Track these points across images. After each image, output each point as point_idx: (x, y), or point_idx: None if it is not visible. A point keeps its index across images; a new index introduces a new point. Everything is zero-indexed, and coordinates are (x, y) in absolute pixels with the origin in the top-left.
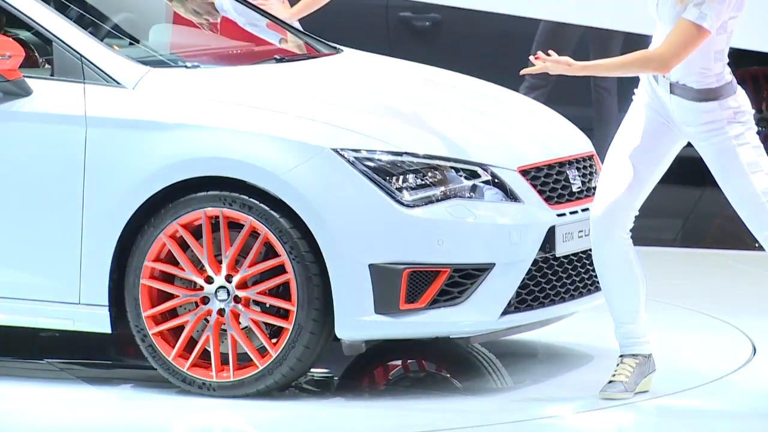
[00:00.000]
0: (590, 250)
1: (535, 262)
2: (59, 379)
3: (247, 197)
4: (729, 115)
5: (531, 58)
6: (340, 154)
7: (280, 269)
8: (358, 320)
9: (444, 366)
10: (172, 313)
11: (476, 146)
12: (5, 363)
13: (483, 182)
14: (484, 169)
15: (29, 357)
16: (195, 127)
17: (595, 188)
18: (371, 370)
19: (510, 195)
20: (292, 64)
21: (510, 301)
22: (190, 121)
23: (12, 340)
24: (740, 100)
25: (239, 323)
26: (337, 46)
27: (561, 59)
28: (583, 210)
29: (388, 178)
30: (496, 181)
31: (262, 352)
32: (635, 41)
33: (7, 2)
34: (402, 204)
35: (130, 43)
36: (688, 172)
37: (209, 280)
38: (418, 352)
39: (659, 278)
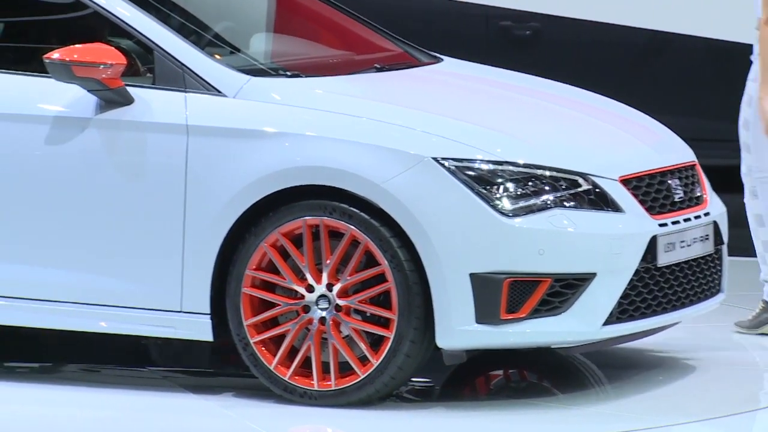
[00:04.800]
0: (692, 259)
1: (636, 272)
2: (161, 387)
3: (347, 206)
4: None
5: None
6: (440, 163)
7: (380, 278)
8: (458, 329)
9: (545, 376)
10: (273, 322)
11: (577, 155)
12: (108, 371)
13: (584, 192)
14: (585, 179)
15: (131, 365)
16: (295, 135)
17: (697, 198)
18: (472, 380)
19: (611, 205)
20: (392, 73)
21: (611, 311)
22: (290, 129)
23: (114, 349)
24: None
25: (340, 332)
26: (437, 54)
27: None
28: (685, 220)
29: (488, 187)
30: (597, 190)
31: (363, 361)
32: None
33: (109, 12)
34: (502, 213)
35: (231, 52)
36: None
37: (310, 289)
38: (519, 362)
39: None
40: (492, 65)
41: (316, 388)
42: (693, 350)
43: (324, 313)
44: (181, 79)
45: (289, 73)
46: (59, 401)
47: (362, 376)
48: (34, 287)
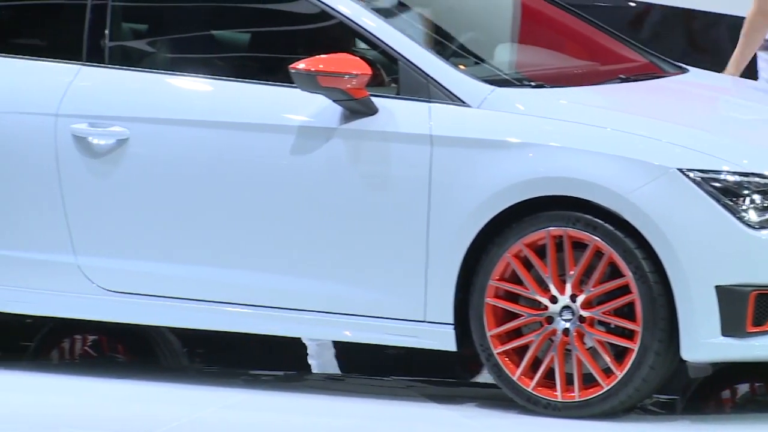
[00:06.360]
0: None
1: None
2: (404, 397)
3: (591, 217)
4: None
5: None
6: (686, 175)
7: (624, 289)
8: (704, 342)
9: None
10: (517, 333)
11: None
12: (352, 380)
13: None
14: None
15: (376, 374)
16: (539, 146)
17: None
18: (717, 393)
19: None
20: (637, 83)
21: None
22: (534, 140)
23: (359, 358)
24: None
25: (584, 343)
26: (683, 65)
27: None
28: None
29: (734, 199)
30: None
31: (607, 372)
32: None
33: (355, 22)
34: (749, 225)
35: (475, 63)
36: None
37: (554, 300)
38: (766, 375)
39: None
40: (741, 76)
41: (559, 399)
42: None
43: (567, 324)
44: (425, 89)
45: (533, 84)
46: (303, 409)
47: (606, 388)
48: (278, 296)
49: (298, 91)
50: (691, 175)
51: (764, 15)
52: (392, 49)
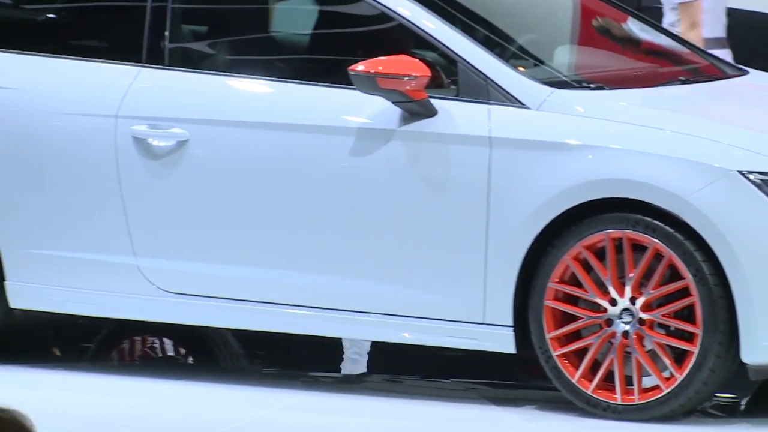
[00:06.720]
0: None
1: None
2: (464, 399)
3: (651, 219)
4: None
5: None
6: (746, 177)
7: (684, 292)
8: (764, 345)
9: None
10: (576, 335)
11: None
12: (411, 382)
13: None
14: None
15: (435, 376)
16: (599, 148)
17: None
18: None
19: None
20: (698, 85)
21: None
22: (593, 142)
23: (418, 360)
24: None
25: (643, 346)
26: (743, 67)
27: None
28: None
29: None
30: None
31: (667, 375)
32: None
33: (414, 24)
34: None
35: (535, 65)
36: None
37: (613, 303)
38: None
39: None
40: None
41: (619, 402)
42: None
43: (627, 327)
44: (484, 91)
45: (592, 86)
46: (361, 411)
47: (666, 391)
48: (337, 298)
49: (357, 92)
50: (752, 177)
51: (699, 26)
52: (451, 50)
